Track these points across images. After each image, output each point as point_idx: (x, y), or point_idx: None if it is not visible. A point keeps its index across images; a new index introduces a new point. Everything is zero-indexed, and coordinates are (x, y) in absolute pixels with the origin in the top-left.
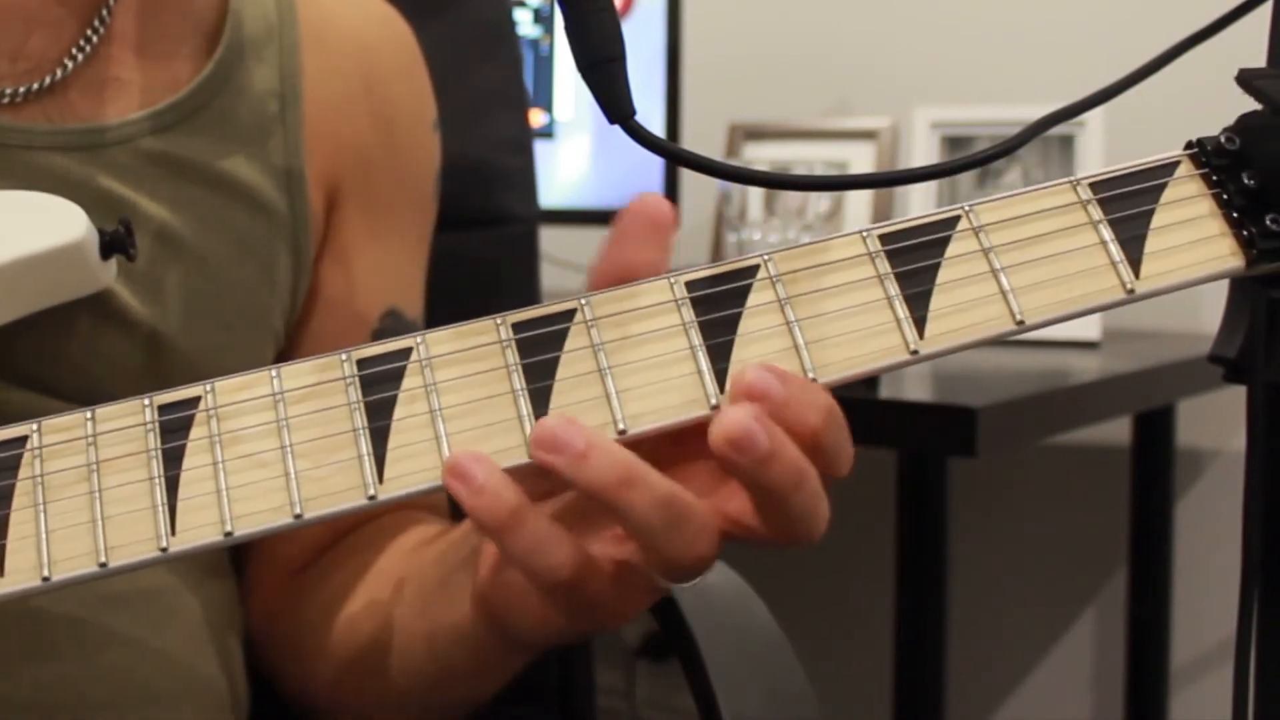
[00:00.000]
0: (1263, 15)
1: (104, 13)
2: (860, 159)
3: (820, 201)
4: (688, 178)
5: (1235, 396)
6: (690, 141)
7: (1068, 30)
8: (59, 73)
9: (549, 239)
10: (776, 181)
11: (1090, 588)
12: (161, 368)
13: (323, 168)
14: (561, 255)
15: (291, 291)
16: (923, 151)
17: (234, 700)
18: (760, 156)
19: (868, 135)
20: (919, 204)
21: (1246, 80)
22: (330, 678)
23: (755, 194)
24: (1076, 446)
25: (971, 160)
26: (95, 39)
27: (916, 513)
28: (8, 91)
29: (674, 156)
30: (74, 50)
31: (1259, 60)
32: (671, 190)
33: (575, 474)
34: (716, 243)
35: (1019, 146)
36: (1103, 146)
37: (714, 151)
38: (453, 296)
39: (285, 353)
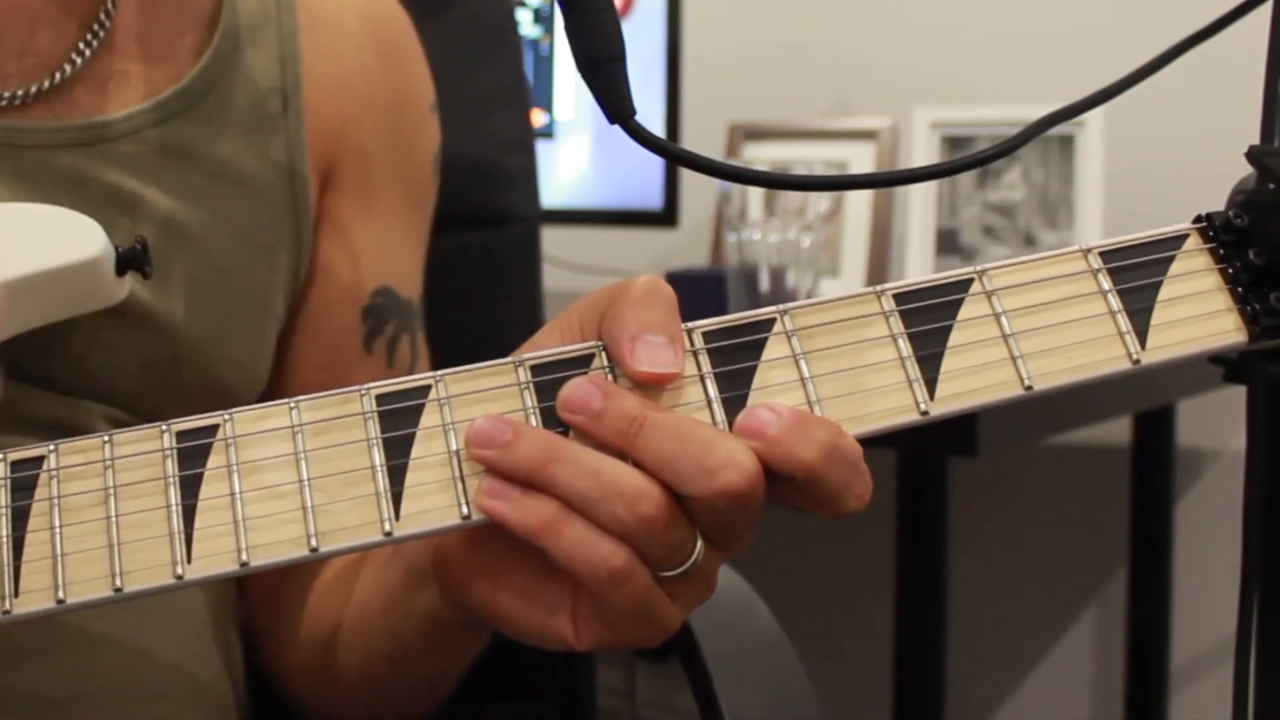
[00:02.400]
0: (1263, 15)
1: (108, 6)
2: (860, 159)
3: (820, 201)
4: (688, 178)
5: (1235, 396)
6: (690, 141)
7: (1068, 30)
8: (67, 69)
9: (549, 239)
10: (776, 181)
11: (1090, 588)
12: (166, 358)
13: (320, 149)
14: (561, 255)
15: (292, 275)
16: (923, 151)
17: (235, 701)
18: (760, 156)
19: (868, 135)
20: (919, 204)
21: (1256, 157)
22: (303, 656)
23: (755, 194)
24: (1076, 446)
25: (971, 160)
26: (101, 33)
27: (916, 513)
28: (19, 93)
29: (674, 156)
30: (80, 45)
31: (1257, 59)
32: (671, 190)
33: (505, 460)
34: (716, 243)
35: (1019, 146)
36: (1103, 146)
37: (714, 151)
38: (455, 296)
39: (282, 333)
